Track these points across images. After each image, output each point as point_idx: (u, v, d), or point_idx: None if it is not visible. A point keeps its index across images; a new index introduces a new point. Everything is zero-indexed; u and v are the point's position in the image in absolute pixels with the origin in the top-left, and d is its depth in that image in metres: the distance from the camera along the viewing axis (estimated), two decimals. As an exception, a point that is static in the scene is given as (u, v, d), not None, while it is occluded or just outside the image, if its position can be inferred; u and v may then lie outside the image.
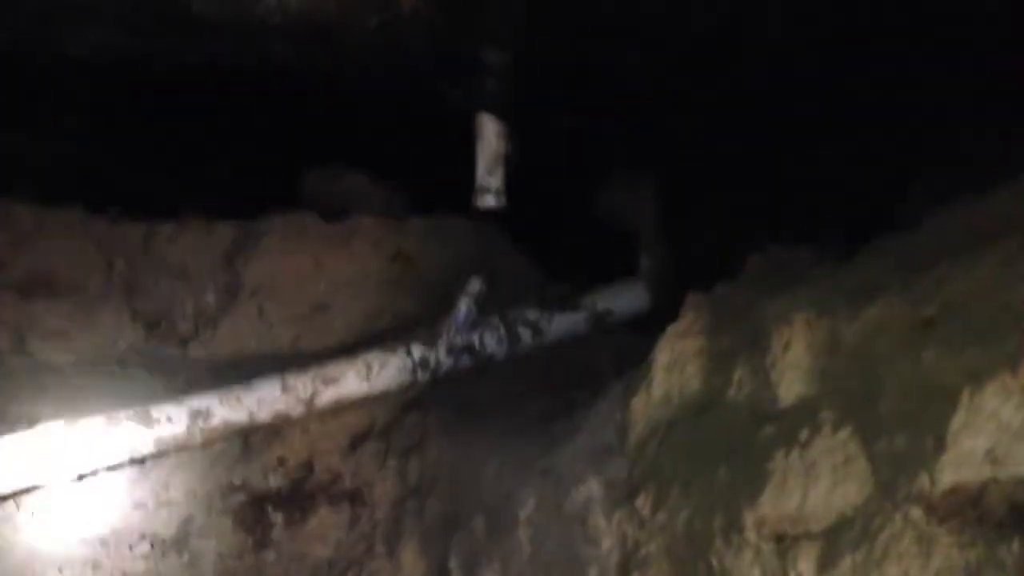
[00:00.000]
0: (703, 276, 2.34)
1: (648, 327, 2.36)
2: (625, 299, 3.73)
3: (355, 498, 3.22)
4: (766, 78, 2.81)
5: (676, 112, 3.27)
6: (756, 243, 2.36)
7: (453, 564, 2.69)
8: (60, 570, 2.94)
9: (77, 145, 5.08)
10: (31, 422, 3.11)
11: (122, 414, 3.01)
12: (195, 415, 3.08)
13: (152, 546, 3.11)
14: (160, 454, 3.19)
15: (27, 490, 3.02)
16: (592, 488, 2.16)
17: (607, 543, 2.04)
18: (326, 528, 3.18)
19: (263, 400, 3.16)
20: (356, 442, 3.33)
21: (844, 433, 1.56)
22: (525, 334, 3.53)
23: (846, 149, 3.08)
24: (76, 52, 3.23)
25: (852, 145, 3.08)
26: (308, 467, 3.32)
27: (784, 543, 1.60)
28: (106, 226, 4.36)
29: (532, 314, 3.59)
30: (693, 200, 3.71)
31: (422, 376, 3.34)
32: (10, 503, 3.15)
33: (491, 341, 3.47)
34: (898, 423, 1.48)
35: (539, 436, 2.66)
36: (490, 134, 3.88)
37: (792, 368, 1.77)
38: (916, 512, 1.40)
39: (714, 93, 3.01)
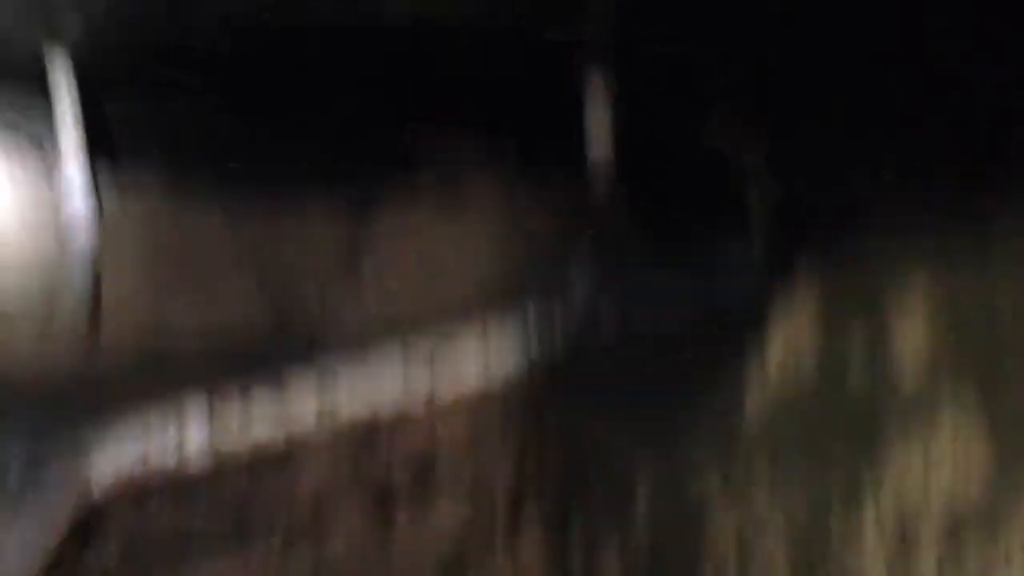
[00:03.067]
0: (816, 214, 2.26)
1: (765, 300, 2.31)
2: (739, 271, 3.65)
3: (476, 489, 3.29)
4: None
5: (785, 44, 3.18)
6: (869, 180, 2.27)
7: (572, 553, 2.72)
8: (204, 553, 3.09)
9: (200, 112, 5.28)
10: (175, 411, 3.30)
11: (255, 404, 3.16)
12: (323, 407, 3.20)
13: (286, 535, 3.25)
14: (290, 445, 3.33)
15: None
16: (710, 478, 2.17)
17: (724, 531, 2.04)
18: (448, 519, 3.25)
19: (386, 391, 3.26)
20: (476, 433, 3.39)
21: (965, 420, 1.52)
22: (640, 313, 3.50)
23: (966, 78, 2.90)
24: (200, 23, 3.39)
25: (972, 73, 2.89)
26: (430, 457, 3.41)
27: (905, 535, 1.58)
28: (235, 210, 4.55)
29: (646, 291, 3.56)
30: (804, 135, 3.58)
31: (538, 358, 3.38)
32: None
33: (605, 321, 3.46)
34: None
35: (655, 420, 2.66)
36: (596, 83, 3.87)
37: (911, 332, 1.73)
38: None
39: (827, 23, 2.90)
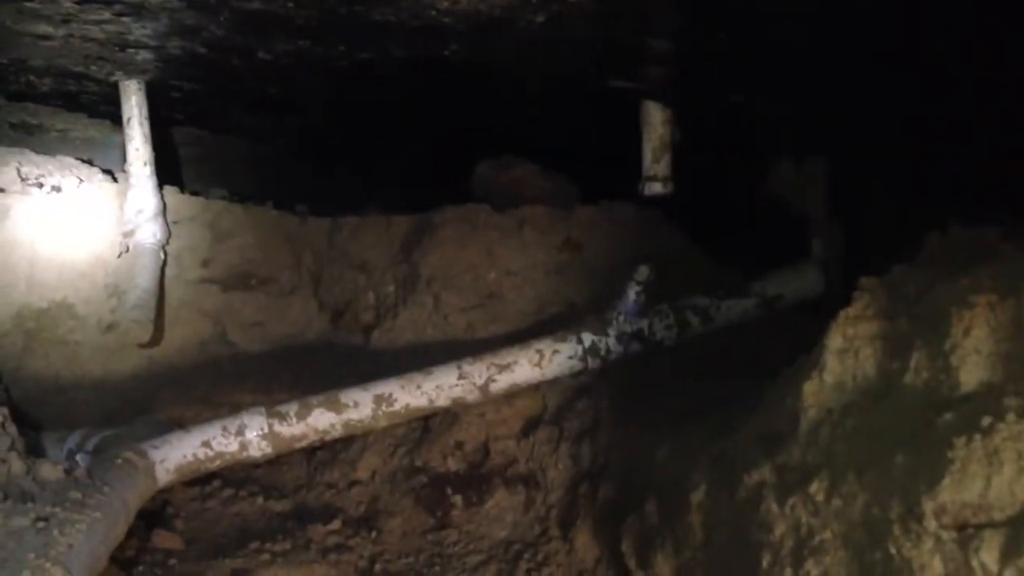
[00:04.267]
0: (877, 259, 2.28)
1: (821, 312, 2.31)
2: (796, 284, 3.66)
3: (530, 481, 3.31)
4: (945, 47, 2.68)
5: (846, 89, 3.16)
6: (934, 224, 2.27)
7: (626, 548, 2.73)
8: (264, 540, 3.16)
9: (263, 144, 5.43)
10: (234, 408, 3.39)
11: (314, 400, 3.22)
12: (379, 400, 3.25)
13: (344, 523, 3.31)
14: (348, 437, 3.39)
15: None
16: (764, 474, 2.15)
17: (780, 529, 2.03)
18: (502, 510, 3.28)
19: (441, 386, 3.30)
20: (529, 427, 3.43)
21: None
22: (694, 320, 3.53)
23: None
24: (264, 56, 3.47)
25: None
26: (484, 451, 3.44)
27: (966, 532, 1.56)
28: (295, 223, 4.67)
29: (701, 300, 3.58)
30: (866, 181, 3.58)
31: (592, 362, 3.40)
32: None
33: (660, 327, 3.48)
34: (1090, 409, 1.42)
35: (709, 421, 2.66)
36: (656, 121, 3.89)
37: (974, 352, 1.72)
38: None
39: (886, 68, 2.89)
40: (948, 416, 1.69)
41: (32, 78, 3.98)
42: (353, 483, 3.52)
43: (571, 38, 3.05)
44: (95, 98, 4.35)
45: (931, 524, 1.61)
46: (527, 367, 3.36)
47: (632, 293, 3.45)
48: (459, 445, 3.47)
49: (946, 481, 1.60)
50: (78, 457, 3.20)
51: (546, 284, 4.00)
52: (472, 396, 3.33)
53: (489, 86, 3.89)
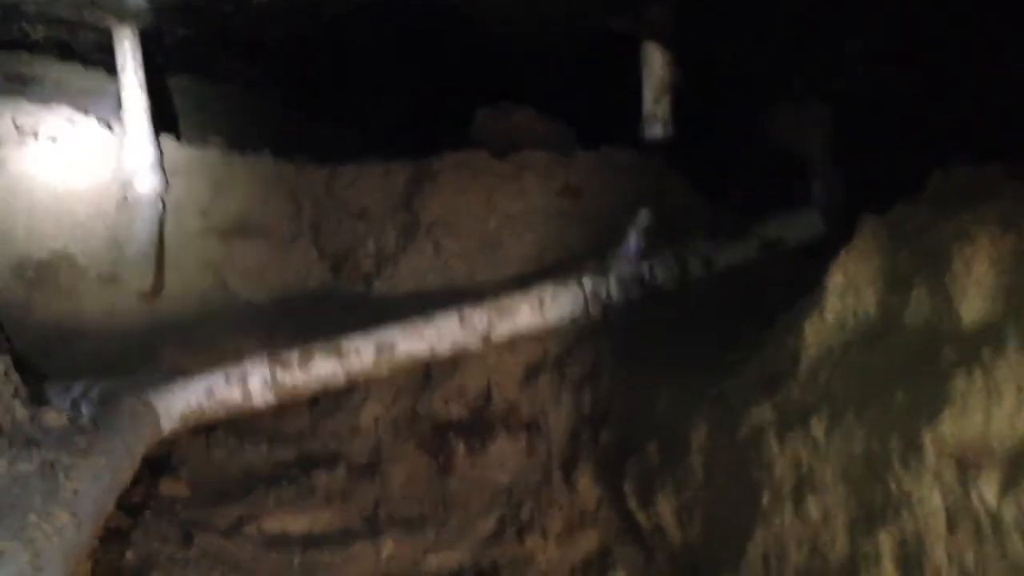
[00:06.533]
0: (878, 200, 2.26)
1: (822, 254, 2.30)
2: (797, 226, 3.64)
3: (531, 427, 3.33)
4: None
5: (847, 32, 3.12)
6: (935, 165, 2.24)
7: (628, 489, 2.75)
8: (269, 487, 3.19)
9: (260, 94, 5.38)
10: (236, 356, 3.38)
11: (316, 347, 3.22)
12: (381, 348, 3.25)
13: (348, 469, 3.34)
14: (350, 384, 3.40)
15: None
16: (764, 413, 2.16)
17: (780, 467, 2.04)
18: (505, 455, 3.30)
19: (443, 333, 3.29)
20: (531, 373, 3.43)
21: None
22: (695, 264, 3.51)
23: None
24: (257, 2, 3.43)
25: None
26: (486, 396, 3.46)
27: (965, 465, 1.57)
28: (294, 171, 4.64)
29: (702, 244, 3.57)
30: (866, 123, 3.55)
31: (593, 307, 3.40)
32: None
33: (661, 272, 3.47)
34: (1091, 341, 1.41)
35: (710, 363, 2.67)
36: (656, 63, 3.85)
37: (974, 287, 1.71)
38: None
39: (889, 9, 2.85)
40: (948, 351, 1.69)
41: (25, 25, 3.93)
42: (356, 430, 3.53)
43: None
44: (89, 46, 4.30)
45: (930, 458, 1.62)
46: (528, 313, 3.36)
47: (633, 238, 3.44)
48: (461, 391, 3.48)
49: (946, 415, 1.60)
50: (83, 405, 3.20)
51: (546, 229, 3.98)
52: (473, 342, 3.33)
53: (486, 32, 3.84)
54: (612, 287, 3.41)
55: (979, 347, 1.61)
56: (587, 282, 3.40)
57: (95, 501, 2.32)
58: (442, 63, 4.70)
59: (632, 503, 2.73)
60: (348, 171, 4.57)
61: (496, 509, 3.12)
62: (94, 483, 2.32)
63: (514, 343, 3.44)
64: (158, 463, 3.19)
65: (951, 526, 1.58)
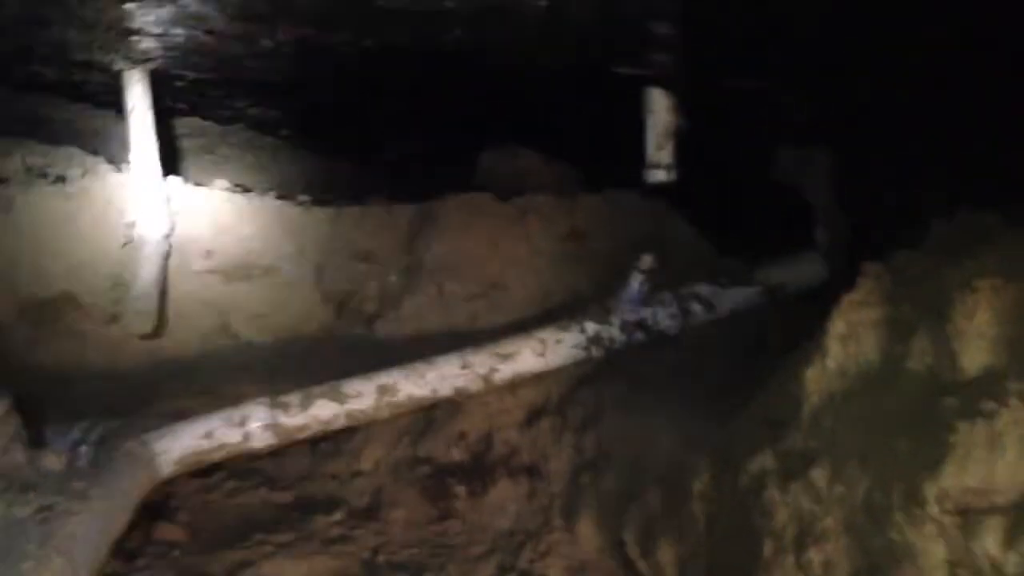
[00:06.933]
0: (881, 247, 2.26)
1: (825, 298, 2.30)
2: (800, 271, 3.64)
3: (533, 471, 3.30)
4: (947, 34, 2.65)
5: (851, 78, 3.14)
6: (938, 212, 2.25)
7: (628, 537, 2.72)
8: (268, 532, 3.16)
9: (267, 135, 5.42)
10: (237, 399, 3.38)
11: (316, 390, 3.21)
12: (382, 391, 3.24)
13: (348, 513, 3.31)
14: (351, 427, 3.39)
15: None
16: (766, 461, 2.14)
17: (782, 516, 2.02)
18: (506, 500, 3.27)
19: (444, 376, 3.29)
20: (532, 416, 3.41)
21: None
22: (697, 309, 3.51)
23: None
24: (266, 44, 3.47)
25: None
26: (487, 441, 3.43)
27: (968, 517, 1.55)
28: (298, 213, 4.67)
29: (704, 289, 3.56)
30: (870, 169, 3.56)
31: (595, 351, 3.39)
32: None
33: (663, 316, 3.47)
34: (1094, 392, 1.40)
35: (711, 410, 2.65)
36: (660, 108, 3.86)
37: (977, 337, 1.70)
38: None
39: (892, 56, 2.87)
40: (951, 401, 1.67)
41: (38, 67, 3.97)
42: (356, 474, 3.51)
43: (575, 21, 3.04)
44: (99, 88, 4.35)
45: (933, 509, 1.60)
46: (530, 356, 3.35)
47: (636, 282, 3.44)
48: (462, 435, 3.46)
49: (948, 466, 1.59)
50: (82, 448, 3.19)
51: (550, 272, 3.98)
52: (475, 386, 3.32)
53: (493, 75, 3.87)
54: (614, 331, 3.40)
55: (981, 397, 1.59)
56: (589, 326, 3.40)
57: (91, 546, 2.31)
58: (449, 105, 4.73)
59: (633, 551, 2.69)
60: (352, 212, 4.59)
61: (496, 555, 3.08)
62: (90, 528, 2.31)
63: (516, 386, 3.43)
64: (156, 507, 3.16)
65: (954, 578, 1.56)
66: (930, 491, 1.61)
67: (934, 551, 1.59)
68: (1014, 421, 1.52)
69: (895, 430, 1.78)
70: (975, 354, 1.70)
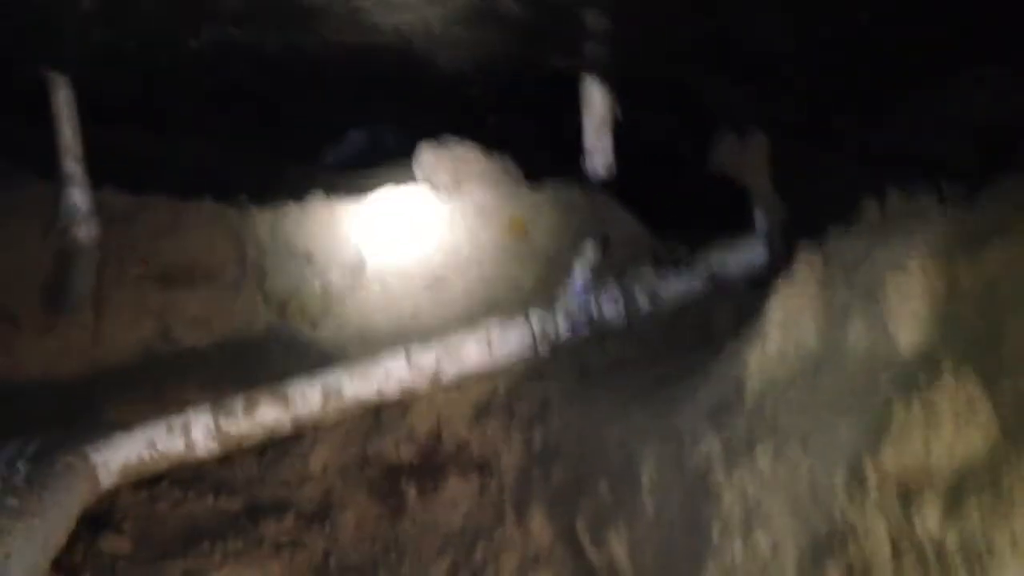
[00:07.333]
0: (820, 228, 2.28)
1: (767, 284, 2.32)
2: (740, 257, 3.67)
3: (483, 467, 3.29)
4: (887, 20, 2.69)
5: (786, 66, 3.17)
6: (873, 193, 2.28)
7: (580, 528, 2.73)
8: (216, 540, 3.11)
9: (198, 139, 5.33)
10: (180, 404, 3.31)
11: (260, 395, 3.16)
12: (327, 392, 3.20)
13: (297, 518, 3.26)
14: (297, 430, 3.34)
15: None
16: (712, 446, 2.16)
17: (728, 499, 2.03)
18: (457, 497, 3.26)
19: (390, 374, 3.26)
20: (481, 412, 3.40)
21: (965, 378, 1.51)
22: (641, 298, 3.52)
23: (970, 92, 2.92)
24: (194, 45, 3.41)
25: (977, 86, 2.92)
26: (436, 438, 3.42)
27: (908, 494, 1.57)
28: (237, 215, 4.58)
29: (647, 277, 3.57)
30: (806, 153, 3.60)
31: (541, 344, 3.39)
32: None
33: (608, 306, 3.47)
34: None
35: (658, 398, 2.66)
36: (596, 99, 3.88)
37: (910, 317, 1.73)
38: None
39: (827, 43, 2.91)
40: (887, 381, 1.70)
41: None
42: (305, 477, 3.47)
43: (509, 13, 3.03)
44: (24, 95, 4.23)
45: (873, 487, 1.62)
46: (476, 351, 3.34)
47: (579, 272, 3.44)
48: (411, 433, 3.44)
49: (887, 445, 1.61)
50: (16, 465, 3.10)
51: (492, 266, 3.97)
52: (421, 383, 3.30)
53: (428, 68, 3.85)
54: (559, 323, 3.40)
55: (916, 375, 1.62)
56: (534, 319, 3.39)
57: (29, 564, 2.24)
58: (388, 99, 4.70)
59: (585, 541, 2.70)
60: (292, 212, 4.53)
61: (449, 552, 3.07)
62: (26, 545, 2.25)
63: (463, 382, 3.42)
64: (100, 518, 3.10)
65: (896, 555, 1.58)
66: (870, 470, 1.63)
67: (876, 530, 1.61)
68: (948, 399, 1.54)
69: (835, 411, 1.81)
70: (910, 334, 1.72)
